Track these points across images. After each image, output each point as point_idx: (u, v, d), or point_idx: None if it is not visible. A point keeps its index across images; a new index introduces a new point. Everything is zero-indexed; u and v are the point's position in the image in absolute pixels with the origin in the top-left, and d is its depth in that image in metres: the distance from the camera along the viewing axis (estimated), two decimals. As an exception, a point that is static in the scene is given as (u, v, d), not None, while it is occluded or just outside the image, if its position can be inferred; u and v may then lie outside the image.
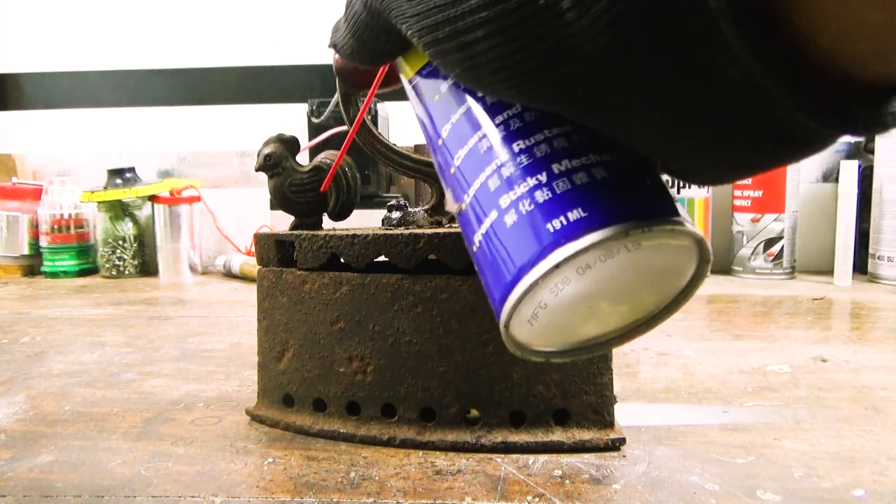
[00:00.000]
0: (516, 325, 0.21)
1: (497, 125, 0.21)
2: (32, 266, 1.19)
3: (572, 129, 0.19)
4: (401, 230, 0.39)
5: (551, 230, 0.18)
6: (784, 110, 0.13)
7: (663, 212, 0.18)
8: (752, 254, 1.01)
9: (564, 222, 0.18)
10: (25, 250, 1.18)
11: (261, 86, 1.24)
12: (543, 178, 0.19)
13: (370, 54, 0.22)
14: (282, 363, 0.41)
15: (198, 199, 1.17)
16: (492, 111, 0.21)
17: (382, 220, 0.44)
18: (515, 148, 0.20)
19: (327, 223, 0.43)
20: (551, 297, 0.19)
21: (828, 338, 0.63)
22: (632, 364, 0.54)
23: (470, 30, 0.16)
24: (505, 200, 0.19)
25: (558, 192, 0.18)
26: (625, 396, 0.45)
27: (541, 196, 0.19)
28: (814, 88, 0.13)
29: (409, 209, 0.44)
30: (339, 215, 0.43)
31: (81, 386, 0.50)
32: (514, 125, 0.20)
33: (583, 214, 0.18)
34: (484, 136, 0.21)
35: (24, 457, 0.37)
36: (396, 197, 0.46)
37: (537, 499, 0.31)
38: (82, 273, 1.18)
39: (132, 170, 1.17)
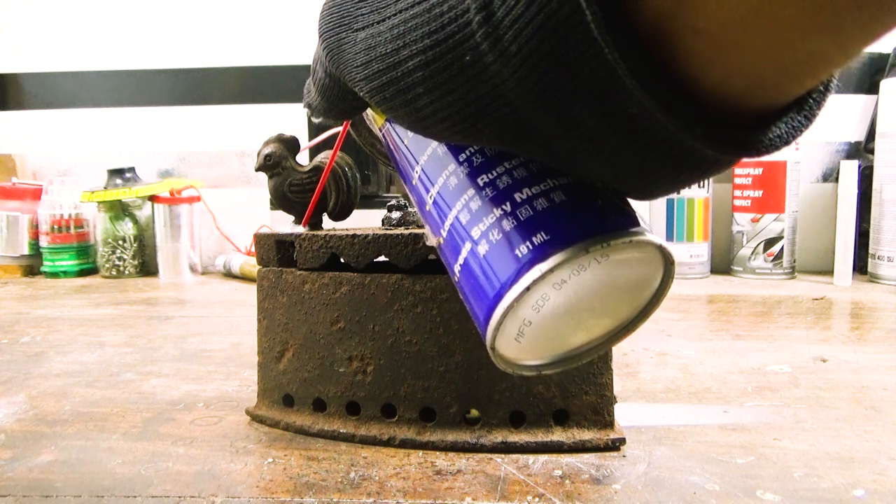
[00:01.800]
0: (503, 345, 0.22)
1: (461, 162, 0.22)
2: (32, 266, 1.19)
3: (529, 159, 0.21)
4: (401, 230, 0.39)
5: (520, 255, 0.20)
6: (684, 141, 0.15)
7: (621, 225, 0.20)
8: (752, 254, 1.01)
9: (531, 246, 0.19)
10: (25, 250, 1.18)
11: (261, 86, 1.24)
12: (508, 207, 0.20)
13: (339, 112, 0.25)
14: (282, 363, 0.41)
15: (198, 199, 1.17)
16: (455, 150, 0.23)
17: (382, 220, 0.44)
18: (480, 182, 0.21)
19: (327, 223, 0.43)
20: (534, 314, 0.21)
21: (828, 338, 0.63)
22: (632, 364, 0.54)
23: (411, 88, 0.18)
24: (476, 232, 0.21)
25: (522, 219, 0.20)
26: (625, 396, 0.45)
27: (507, 224, 0.20)
28: (707, 121, 0.14)
29: (409, 209, 0.44)
30: (339, 215, 0.43)
31: (81, 386, 0.50)
32: (476, 161, 0.22)
33: (545, 237, 0.19)
34: (451, 173, 0.22)
35: (24, 457, 0.37)
36: (396, 197, 0.46)
37: (537, 499, 0.31)
38: (82, 273, 1.18)
39: (132, 170, 1.17)
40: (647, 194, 0.20)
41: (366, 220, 0.50)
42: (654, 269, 0.21)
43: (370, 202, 1.12)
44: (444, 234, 0.23)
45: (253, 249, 0.49)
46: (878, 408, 0.43)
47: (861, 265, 1.01)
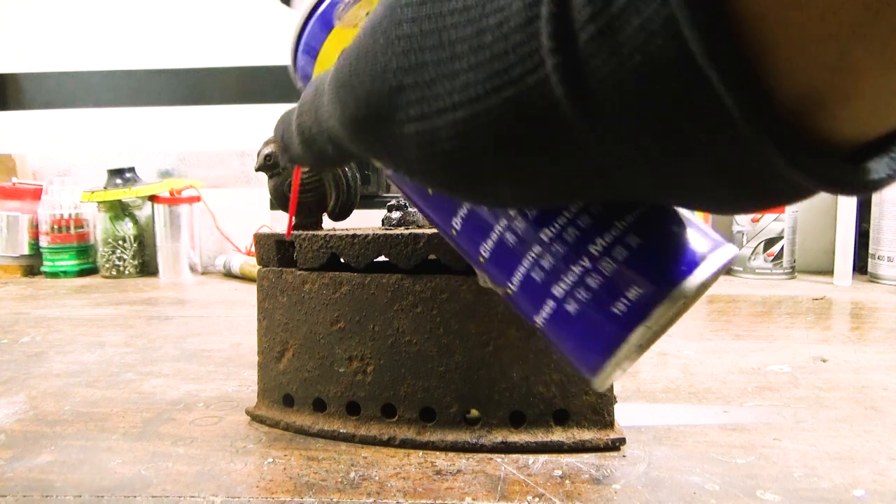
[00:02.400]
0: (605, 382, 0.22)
1: (513, 217, 0.21)
2: (32, 266, 1.19)
3: (588, 203, 0.20)
4: (401, 230, 0.39)
5: (619, 313, 0.19)
6: (786, 177, 0.14)
7: (703, 253, 0.19)
8: (752, 254, 1.01)
9: (627, 304, 0.19)
10: (25, 250, 1.18)
11: (261, 86, 1.24)
12: (587, 263, 0.19)
13: (328, 167, 0.23)
14: (282, 363, 0.41)
15: (198, 199, 1.17)
16: None
17: (382, 220, 0.44)
18: (545, 237, 0.20)
19: (327, 223, 0.43)
20: (631, 353, 0.20)
21: (828, 338, 0.63)
22: (632, 364, 0.54)
23: (487, 181, 0.17)
24: (558, 290, 0.20)
25: (608, 273, 0.19)
26: (625, 396, 0.45)
27: (593, 282, 0.19)
28: (812, 154, 0.13)
29: (409, 209, 0.44)
30: (339, 215, 0.43)
31: (81, 386, 0.50)
32: (531, 213, 0.21)
33: (640, 291, 0.19)
34: (506, 229, 0.21)
35: (24, 457, 0.37)
36: (396, 197, 0.46)
37: (537, 499, 0.31)
38: (82, 273, 1.18)
39: (132, 170, 1.17)
40: (719, 213, 0.19)
41: (366, 220, 0.50)
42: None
43: (370, 202, 1.12)
44: (514, 288, 0.22)
45: (253, 249, 0.49)
46: (878, 408, 0.43)
47: (861, 265, 1.01)
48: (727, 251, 0.20)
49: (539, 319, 0.21)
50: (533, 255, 0.20)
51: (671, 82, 0.13)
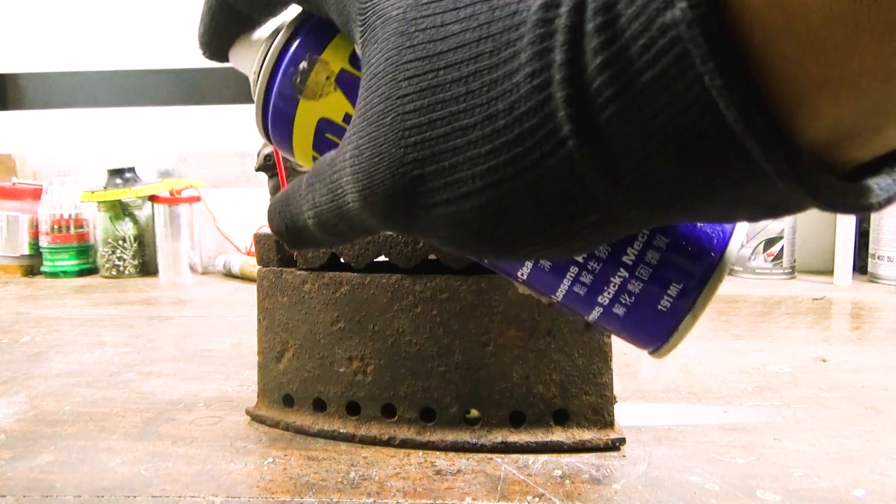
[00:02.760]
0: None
1: None
2: (32, 266, 1.19)
3: None
4: (401, 230, 0.39)
5: (664, 309, 0.21)
6: (794, 197, 0.14)
7: (727, 236, 0.21)
8: (752, 254, 1.01)
9: (671, 300, 0.21)
10: (25, 250, 1.18)
11: (261, 86, 1.23)
12: (624, 272, 0.21)
13: (342, 241, 0.23)
14: (282, 363, 0.41)
15: (198, 199, 1.17)
16: None
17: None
18: (579, 258, 0.21)
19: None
20: (684, 334, 0.22)
21: (828, 338, 0.63)
22: (632, 364, 0.54)
23: (523, 248, 0.17)
24: (603, 299, 0.21)
25: (646, 278, 0.21)
26: (625, 396, 0.45)
27: (634, 287, 0.21)
28: (836, 191, 0.14)
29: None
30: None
31: (81, 386, 0.50)
32: None
33: (679, 287, 0.20)
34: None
35: (24, 457, 0.37)
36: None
37: (537, 499, 0.31)
38: (82, 273, 1.18)
39: (132, 170, 1.17)
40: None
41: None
42: None
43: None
44: (557, 299, 0.23)
45: (253, 249, 0.49)
46: (878, 408, 0.43)
47: (861, 265, 1.01)
48: (741, 228, 0.21)
49: (589, 319, 0.22)
50: (571, 274, 0.21)
51: (704, 153, 0.13)
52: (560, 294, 0.22)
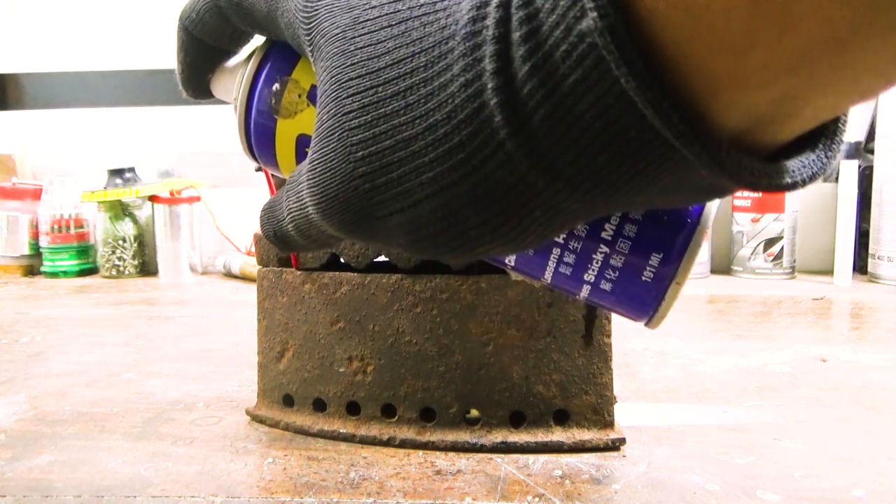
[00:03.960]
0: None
1: None
2: (32, 266, 1.19)
3: None
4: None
5: (648, 280, 0.21)
6: (728, 187, 0.16)
7: (698, 207, 0.21)
8: (752, 254, 1.01)
9: (654, 269, 0.21)
10: (25, 250, 1.18)
11: (261, 86, 1.23)
12: (605, 248, 0.21)
13: (323, 246, 0.24)
14: (282, 363, 0.41)
15: (198, 199, 1.17)
16: None
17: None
18: (559, 239, 0.22)
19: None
20: (672, 300, 0.23)
21: (828, 338, 0.63)
22: (632, 364, 0.54)
23: (479, 246, 0.18)
24: (588, 276, 0.22)
25: (627, 251, 0.21)
26: (625, 396, 0.45)
27: (616, 262, 0.21)
28: (756, 172, 0.15)
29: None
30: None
31: (81, 386, 0.50)
32: None
33: (660, 255, 0.21)
34: None
35: (24, 457, 0.37)
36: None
37: (537, 499, 0.31)
38: (82, 273, 1.17)
39: (132, 170, 1.16)
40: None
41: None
42: None
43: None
44: (546, 282, 0.23)
45: (253, 249, 0.49)
46: (878, 408, 0.43)
47: (861, 265, 1.01)
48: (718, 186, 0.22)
49: (579, 297, 0.23)
50: (555, 256, 0.22)
51: (631, 147, 0.14)
52: (548, 276, 0.23)
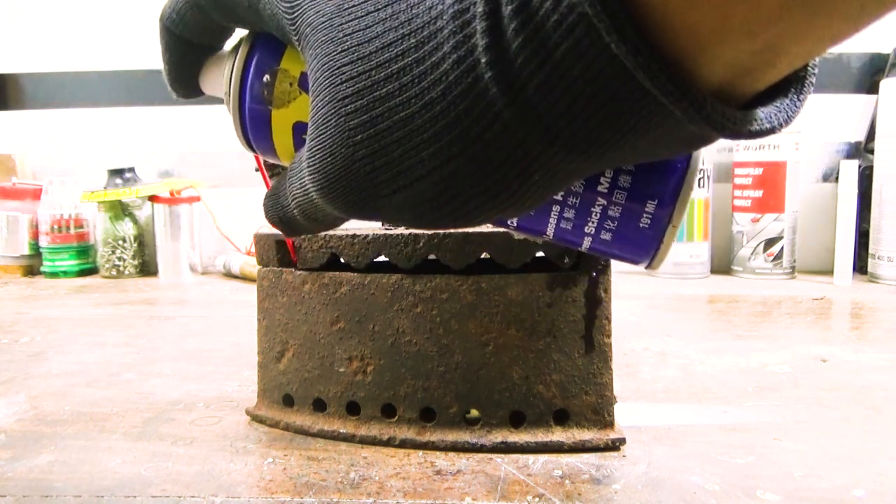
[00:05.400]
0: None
1: None
2: (32, 266, 1.19)
3: None
4: (401, 230, 0.39)
5: (646, 226, 0.22)
6: (707, 136, 0.17)
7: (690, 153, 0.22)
8: (752, 254, 1.01)
9: (650, 216, 0.22)
10: (25, 250, 1.18)
11: (261, 86, 1.23)
12: (602, 200, 0.22)
13: (329, 227, 0.24)
14: (282, 363, 0.41)
15: (198, 199, 1.17)
16: None
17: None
18: (558, 196, 0.23)
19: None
20: (670, 242, 0.24)
21: (828, 338, 0.63)
22: (632, 364, 0.54)
23: (482, 214, 0.19)
24: (589, 228, 0.23)
25: (623, 201, 0.22)
26: (625, 396, 0.45)
27: (614, 212, 0.22)
28: (733, 119, 0.16)
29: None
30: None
31: (81, 386, 0.50)
32: None
33: (655, 202, 0.22)
34: None
35: (24, 457, 0.37)
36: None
37: (537, 499, 0.31)
38: (82, 273, 1.17)
39: (132, 170, 1.16)
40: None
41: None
42: None
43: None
44: (549, 237, 0.24)
45: (253, 249, 0.49)
46: (878, 408, 0.43)
47: (861, 265, 1.01)
48: (707, 134, 0.23)
49: (582, 248, 0.24)
50: (555, 212, 0.23)
51: (622, 107, 0.15)
52: (550, 231, 0.24)
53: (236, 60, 0.23)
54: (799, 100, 0.17)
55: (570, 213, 0.23)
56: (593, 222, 0.23)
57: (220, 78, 0.25)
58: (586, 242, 0.23)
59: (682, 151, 0.18)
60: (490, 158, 0.17)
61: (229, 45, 0.25)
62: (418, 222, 0.20)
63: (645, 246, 0.23)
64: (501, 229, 0.26)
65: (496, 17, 0.15)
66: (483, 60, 0.15)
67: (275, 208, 0.24)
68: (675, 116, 0.15)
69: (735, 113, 0.15)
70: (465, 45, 0.16)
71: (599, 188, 0.22)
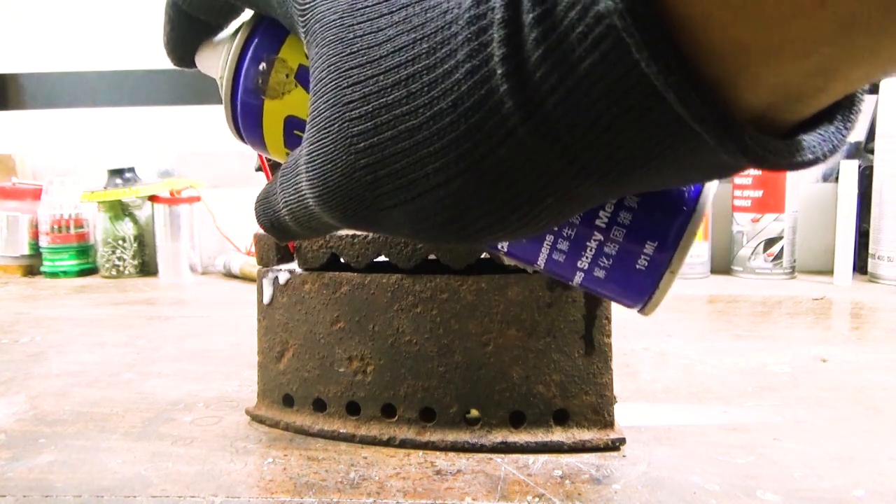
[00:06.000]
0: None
1: None
2: (32, 266, 1.19)
3: None
4: (401, 230, 0.39)
5: (643, 269, 0.21)
6: (739, 164, 0.15)
7: (696, 191, 0.21)
8: (752, 254, 1.01)
9: (648, 258, 0.21)
10: (25, 250, 1.18)
11: (261, 86, 1.23)
12: (599, 236, 0.21)
13: (321, 234, 0.23)
14: (282, 363, 0.41)
15: (198, 199, 1.17)
16: None
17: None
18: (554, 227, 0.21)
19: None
20: (666, 288, 0.22)
21: (828, 338, 0.63)
22: (632, 364, 0.54)
23: (487, 234, 0.18)
24: (582, 264, 0.22)
25: (621, 239, 0.21)
26: (625, 396, 0.45)
27: (611, 250, 0.21)
28: (774, 151, 0.14)
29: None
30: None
31: (81, 386, 0.50)
32: None
33: (654, 244, 0.20)
34: None
35: (24, 457, 0.37)
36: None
37: (537, 499, 0.31)
38: (82, 273, 1.17)
39: (132, 170, 1.16)
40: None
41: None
42: None
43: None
44: (540, 267, 0.23)
45: (253, 249, 0.49)
46: (878, 408, 0.43)
47: (861, 265, 1.01)
48: (710, 191, 0.21)
49: (572, 284, 0.23)
50: (548, 242, 0.22)
51: (650, 130, 0.14)
52: (541, 262, 0.23)
53: (235, 43, 0.23)
54: (846, 127, 0.15)
55: (563, 245, 0.22)
56: (587, 258, 0.21)
57: (217, 59, 0.24)
58: (577, 278, 0.22)
59: (710, 179, 0.17)
60: (501, 178, 0.16)
61: (233, 27, 0.24)
62: (418, 237, 0.19)
63: (639, 289, 0.22)
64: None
65: (516, 26, 0.14)
66: (499, 72, 0.14)
67: (266, 213, 0.23)
68: (709, 146, 0.13)
69: (778, 144, 0.14)
70: (480, 53, 0.15)
71: (597, 222, 0.21)
